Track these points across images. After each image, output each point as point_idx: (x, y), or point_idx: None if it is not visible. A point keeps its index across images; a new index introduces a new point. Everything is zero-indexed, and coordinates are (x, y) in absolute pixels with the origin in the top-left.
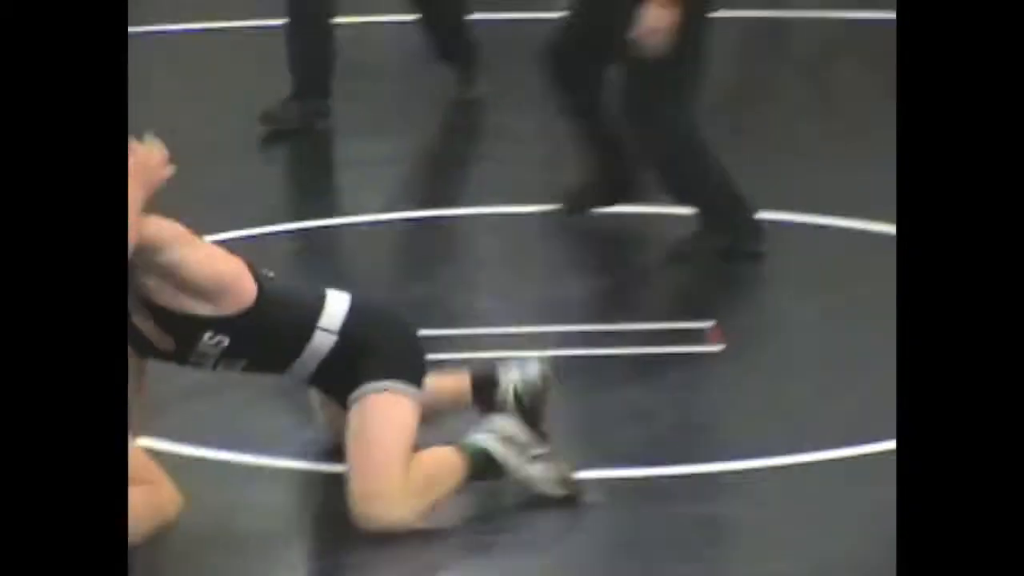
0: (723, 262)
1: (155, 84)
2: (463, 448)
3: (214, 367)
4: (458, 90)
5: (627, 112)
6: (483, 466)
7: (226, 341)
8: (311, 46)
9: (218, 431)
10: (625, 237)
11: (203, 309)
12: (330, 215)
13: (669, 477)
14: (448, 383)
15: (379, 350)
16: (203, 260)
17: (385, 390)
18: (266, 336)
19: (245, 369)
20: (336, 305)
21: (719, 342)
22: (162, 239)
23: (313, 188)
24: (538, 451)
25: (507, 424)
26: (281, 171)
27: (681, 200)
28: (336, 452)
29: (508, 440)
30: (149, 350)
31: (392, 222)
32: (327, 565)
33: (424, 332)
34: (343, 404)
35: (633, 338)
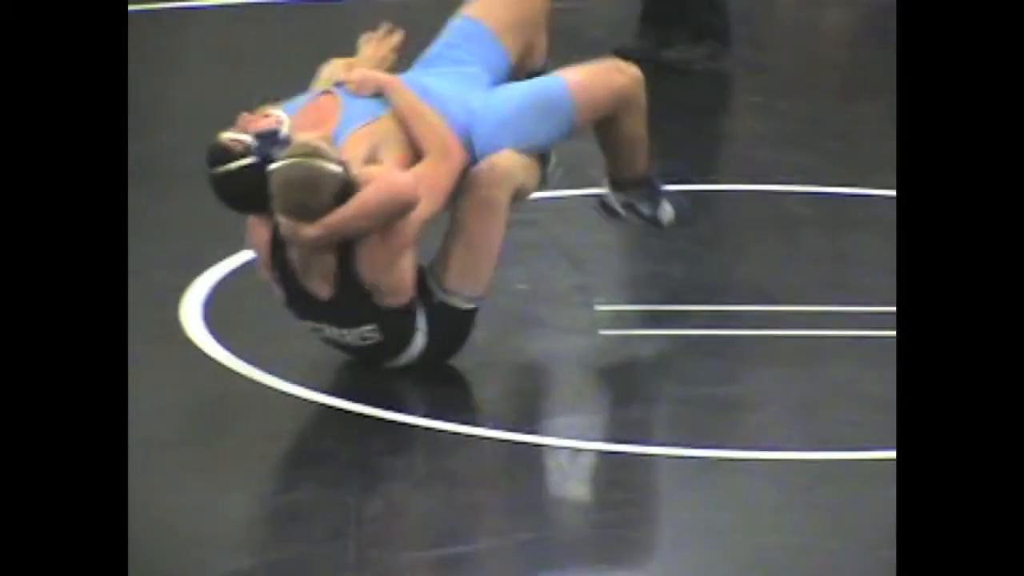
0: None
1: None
2: None
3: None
4: (680, 53)
5: None
6: None
7: (378, 336)
8: None
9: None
10: (839, 217)
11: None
12: (549, 187)
13: (878, 460)
14: None
15: None
16: None
17: None
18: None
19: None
20: None
21: None
22: None
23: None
24: None
25: None
26: None
27: None
28: (535, 425)
29: None
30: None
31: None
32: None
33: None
34: None
35: (847, 320)
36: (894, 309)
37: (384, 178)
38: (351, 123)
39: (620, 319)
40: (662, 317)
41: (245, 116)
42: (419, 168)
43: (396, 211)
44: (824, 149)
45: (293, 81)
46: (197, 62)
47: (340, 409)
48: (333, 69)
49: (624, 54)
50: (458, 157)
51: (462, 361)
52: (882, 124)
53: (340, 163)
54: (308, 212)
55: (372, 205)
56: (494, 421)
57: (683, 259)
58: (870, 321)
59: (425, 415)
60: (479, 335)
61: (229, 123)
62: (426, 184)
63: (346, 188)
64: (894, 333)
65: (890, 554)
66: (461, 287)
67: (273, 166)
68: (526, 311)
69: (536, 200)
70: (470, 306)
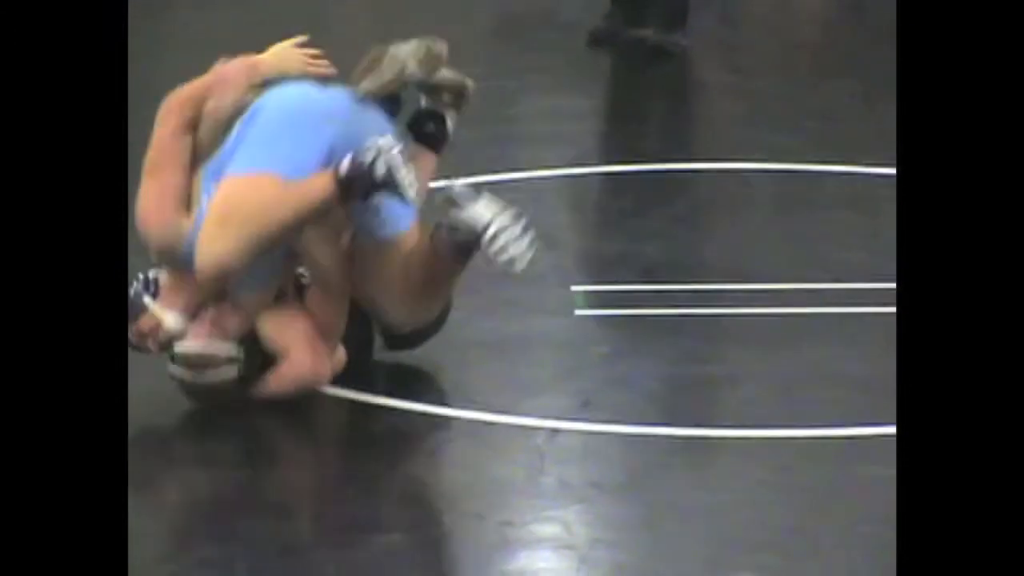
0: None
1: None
2: None
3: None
4: (656, 38)
5: None
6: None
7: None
8: None
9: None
10: (818, 196)
11: None
12: (518, 168)
13: (859, 437)
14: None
15: None
16: None
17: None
18: None
19: None
20: None
21: None
22: None
23: (502, 140)
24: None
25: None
26: (478, 122)
27: None
28: (514, 404)
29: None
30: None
31: (591, 176)
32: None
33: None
34: None
35: (826, 297)
36: (872, 286)
37: (285, 376)
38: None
39: (597, 299)
40: (639, 297)
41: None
42: (314, 309)
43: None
44: (799, 128)
45: None
46: (182, 47)
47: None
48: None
49: (596, 37)
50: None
51: (437, 342)
52: (856, 102)
53: (231, 359)
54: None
55: (281, 391)
56: (470, 402)
57: (659, 238)
58: (848, 298)
59: (399, 396)
60: (455, 316)
61: None
62: (325, 335)
63: (249, 369)
64: (872, 310)
65: (870, 530)
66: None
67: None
68: (502, 292)
69: (511, 181)
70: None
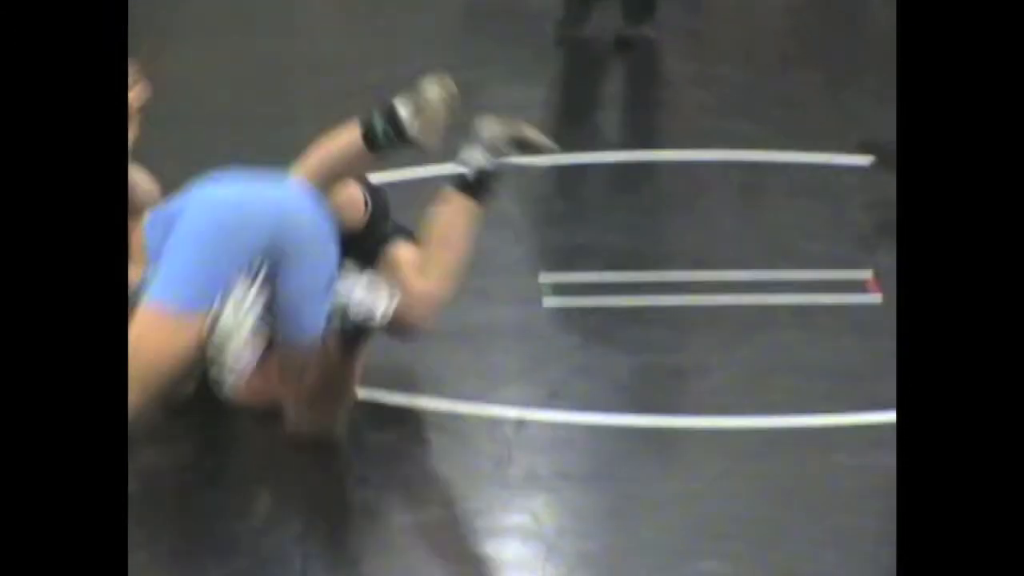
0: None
1: (320, 21)
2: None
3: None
4: (622, 28)
5: None
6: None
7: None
8: None
9: (368, 373)
10: (785, 185)
11: None
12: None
13: (829, 427)
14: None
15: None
16: None
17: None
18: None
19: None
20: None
21: (877, 291)
22: None
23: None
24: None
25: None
26: None
27: None
28: (482, 394)
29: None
30: None
31: (557, 167)
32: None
33: (584, 277)
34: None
35: (791, 286)
36: (837, 274)
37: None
38: None
39: (564, 289)
40: (606, 287)
41: None
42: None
43: None
44: (765, 117)
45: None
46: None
47: None
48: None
49: (559, 36)
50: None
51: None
52: (823, 91)
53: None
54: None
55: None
56: (438, 392)
57: (625, 228)
58: (813, 287)
59: (366, 385)
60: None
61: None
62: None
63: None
64: (837, 298)
65: (838, 520)
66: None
67: None
68: (469, 281)
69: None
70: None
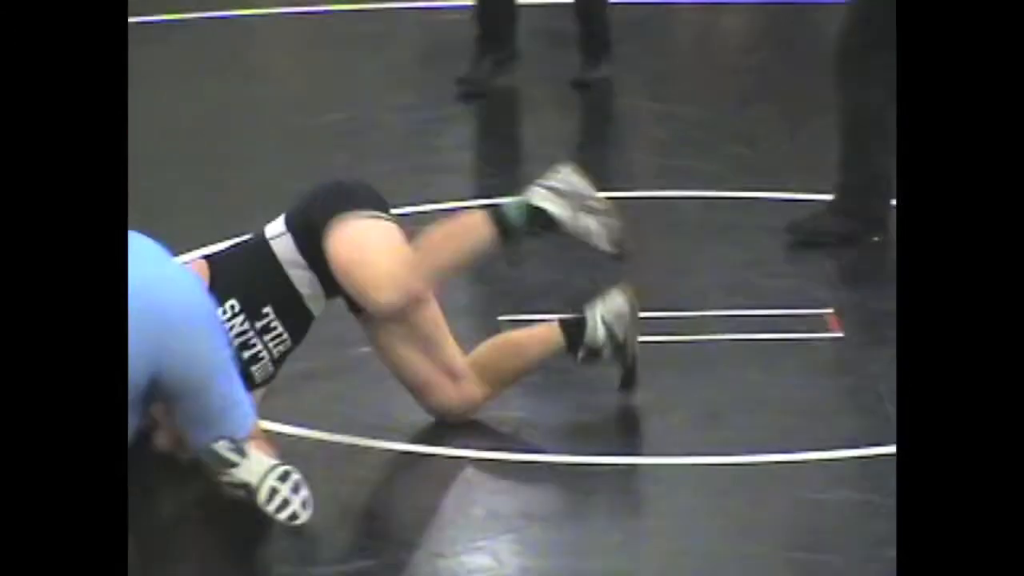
0: (845, 247)
1: (281, 63)
2: (494, 207)
3: (266, 347)
4: (581, 71)
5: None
6: (524, 220)
7: (233, 301)
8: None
9: (328, 414)
10: (744, 222)
11: None
12: (441, 199)
13: (789, 463)
14: (538, 333)
15: (329, 206)
16: None
17: (351, 217)
18: (245, 274)
19: (291, 333)
20: (275, 222)
21: (838, 329)
22: None
23: (439, 170)
24: (595, 202)
25: (562, 175)
26: (406, 153)
27: (843, 168)
28: (443, 435)
29: (563, 192)
30: None
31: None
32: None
33: (543, 318)
34: (393, 327)
35: (751, 324)
36: (797, 312)
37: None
38: None
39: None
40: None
41: None
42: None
43: None
44: (724, 154)
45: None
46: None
47: None
48: None
49: (466, 84)
50: None
51: (360, 370)
52: (781, 128)
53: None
54: None
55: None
56: (398, 432)
57: (586, 267)
58: (773, 325)
59: (325, 429)
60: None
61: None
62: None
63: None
64: (797, 336)
65: (801, 556)
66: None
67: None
68: None
69: (434, 211)
70: None
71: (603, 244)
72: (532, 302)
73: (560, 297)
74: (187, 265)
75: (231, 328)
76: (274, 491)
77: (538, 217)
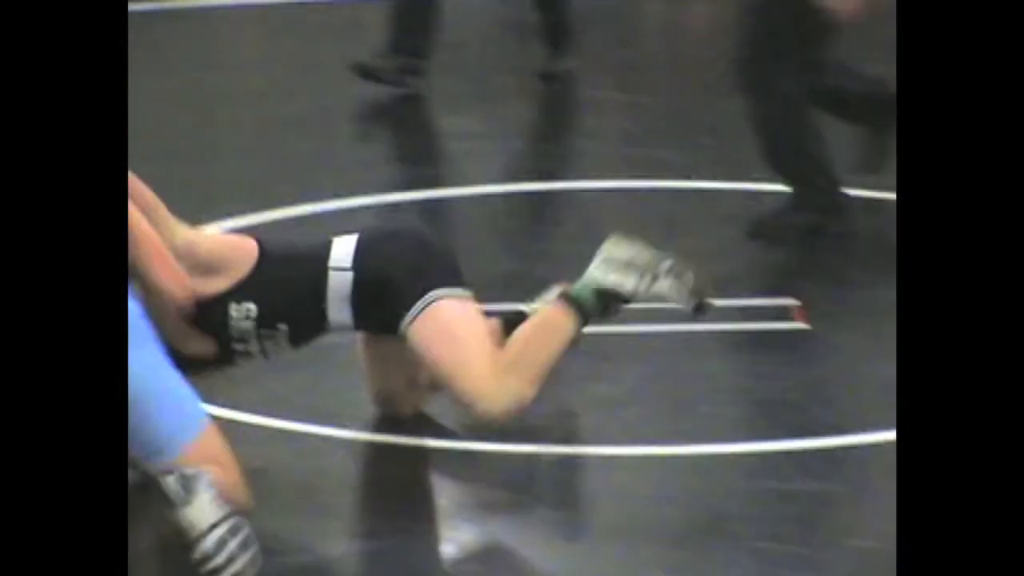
0: (809, 239)
1: (245, 54)
2: (566, 296)
3: (261, 349)
4: (545, 63)
5: (741, 79)
6: (598, 303)
7: (253, 307)
8: (415, 5)
9: (290, 404)
10: (710, 213)
11: (217, 284)
12: (419, 188)
13: (755, 454)
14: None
15: (413, 270)
16: (198, 235)
17: (441, 298)
18: (285, 286)
19: (292, 340)
20: (343, 245)
21: (804, 320)
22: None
23: (401, 160)
24: (665, 264)
25: (619, 249)
26: (370, 143)
27: (778, 170)
28: (406, 425)
29: (623, 264)
30: (199, 366)
31: (481, 196)
32: (388, 533)
33: (509, 307)
34: (391, 336)
35: (717, 314)
36: (762, 302)
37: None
38: None
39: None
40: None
41: None
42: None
43: None
44: (694, 145)
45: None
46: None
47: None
48: None
49: (367, 73)
50: None
51: (328, 359)
52: (747, 120)
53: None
54: None
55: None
56: (357, 421)
57: (550, 258)
58: (740, 315)
59: (294, 419)
60: (347, 336)
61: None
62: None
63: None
64: (763, 326)
65: (765, 546)
66: None
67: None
68: None
69: (401, 203)
70: None
71: (683, 302)
72: (497, 291)
73: (524, 286)
74: (236, 236)
75: (234, 326)
76: (222, 543)
77: (610, 295)
